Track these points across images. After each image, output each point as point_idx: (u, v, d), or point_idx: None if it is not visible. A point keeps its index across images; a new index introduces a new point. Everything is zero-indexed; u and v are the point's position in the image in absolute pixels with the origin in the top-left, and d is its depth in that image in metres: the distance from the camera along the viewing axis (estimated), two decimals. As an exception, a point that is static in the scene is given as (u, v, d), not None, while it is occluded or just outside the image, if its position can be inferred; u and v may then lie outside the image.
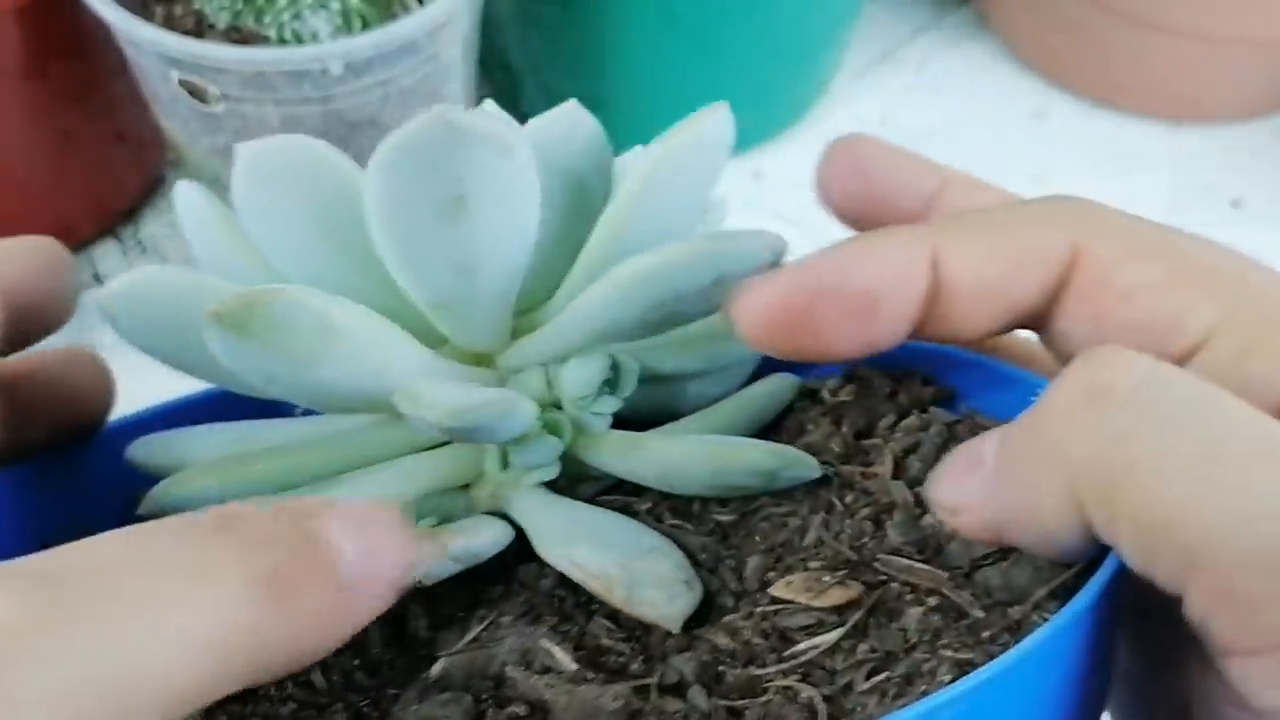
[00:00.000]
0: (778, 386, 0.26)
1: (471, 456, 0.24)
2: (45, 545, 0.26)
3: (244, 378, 0.21)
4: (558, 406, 0.24)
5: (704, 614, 0.22)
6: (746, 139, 0.61)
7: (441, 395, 0.21)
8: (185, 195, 0.24)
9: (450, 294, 0.22)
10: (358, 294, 0.22)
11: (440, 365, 0.23)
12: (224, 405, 0.27)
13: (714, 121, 0.23)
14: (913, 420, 0.25)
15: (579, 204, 0.24)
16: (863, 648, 0.20)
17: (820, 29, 0.59)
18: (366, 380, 0.21)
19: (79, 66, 0.51)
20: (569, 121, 0.23)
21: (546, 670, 0.21)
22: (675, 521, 0.24)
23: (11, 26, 0.47)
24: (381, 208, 0.20)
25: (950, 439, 0.24)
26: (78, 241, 0.56)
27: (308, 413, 0.27)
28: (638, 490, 0.25)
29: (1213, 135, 0.65)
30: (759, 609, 0.21)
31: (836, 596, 0.21)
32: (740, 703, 0.19)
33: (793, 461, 0.23)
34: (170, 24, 0.49)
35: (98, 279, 0.56)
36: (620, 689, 0.19)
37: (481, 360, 0.24)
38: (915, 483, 0.23)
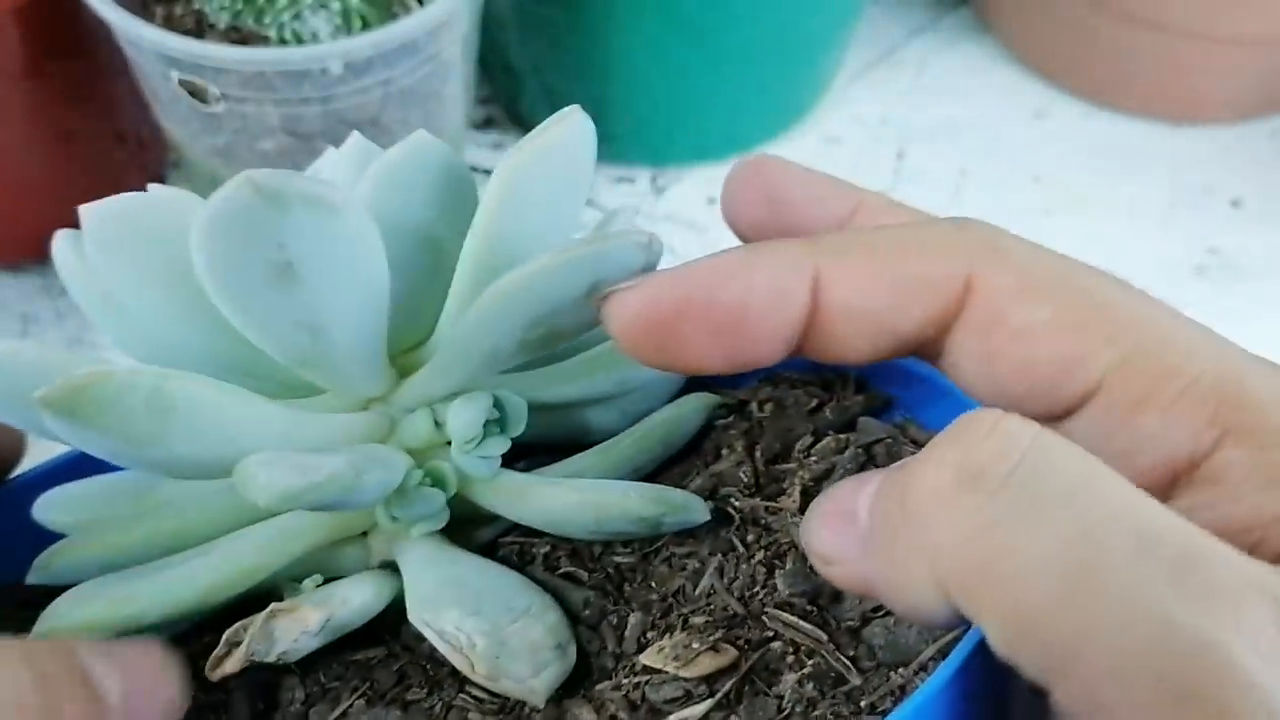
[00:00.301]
0: (689, 409, 0.25)
1: (361, 510, 0.23)
2: None
3: (94, 454, 0.20)
4: (450, 444, 0.23)
5: (581, 677, 0.22)
6: (747, 140, 0.61)
7: (276, 475, 0.19)
8: (61, 250, 0.23)
9: (306, 352, 0.21)
10: (218, 354, 0.22)
11: (302, 426, 0.22)
12: None
13: (568, 126, 0.22)
14: (829, 443, 0.24)
15: (436, 244, 0.23)
16: None
17: (820, 31, 0.59)
18: (216, 451, 0.21)
19: (79, 66, 0.51)
20: (418, 155, 0.22)
21: None
22: (569, 569, 0.24)
23: (11, 26, 0.47)
24: (211, 277, 0.20)
25: (868, 461, 0.23)
26: (77, 241, 0.57)
27: None
28: (540, 530, 0.24)
29: (1213, 136, 0.65)
30: (629, 679, 0.21)
31: (706, 665, 0.20)
32: None
33: (676, 507, 0.23)
34: (170, 24, 0.49)
35: (97, 279, 0.56)
36: None
37: (368, 405, 0.23)
38: None
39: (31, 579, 0.24)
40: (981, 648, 0.17)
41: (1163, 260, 0.58)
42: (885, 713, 0.19)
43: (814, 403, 0.25)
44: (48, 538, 0.24)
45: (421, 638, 0.22)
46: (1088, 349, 0.19)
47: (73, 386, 0.19)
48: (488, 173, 0.57)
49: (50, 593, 0.24)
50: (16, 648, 0.18)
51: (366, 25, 0.48)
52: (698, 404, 0.26)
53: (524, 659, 0.21)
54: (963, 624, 0.18)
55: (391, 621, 0.23)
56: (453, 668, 0.22)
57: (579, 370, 0.25)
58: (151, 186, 0.21)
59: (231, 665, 0.21)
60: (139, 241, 0.21)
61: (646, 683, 0.20)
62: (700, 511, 0.23)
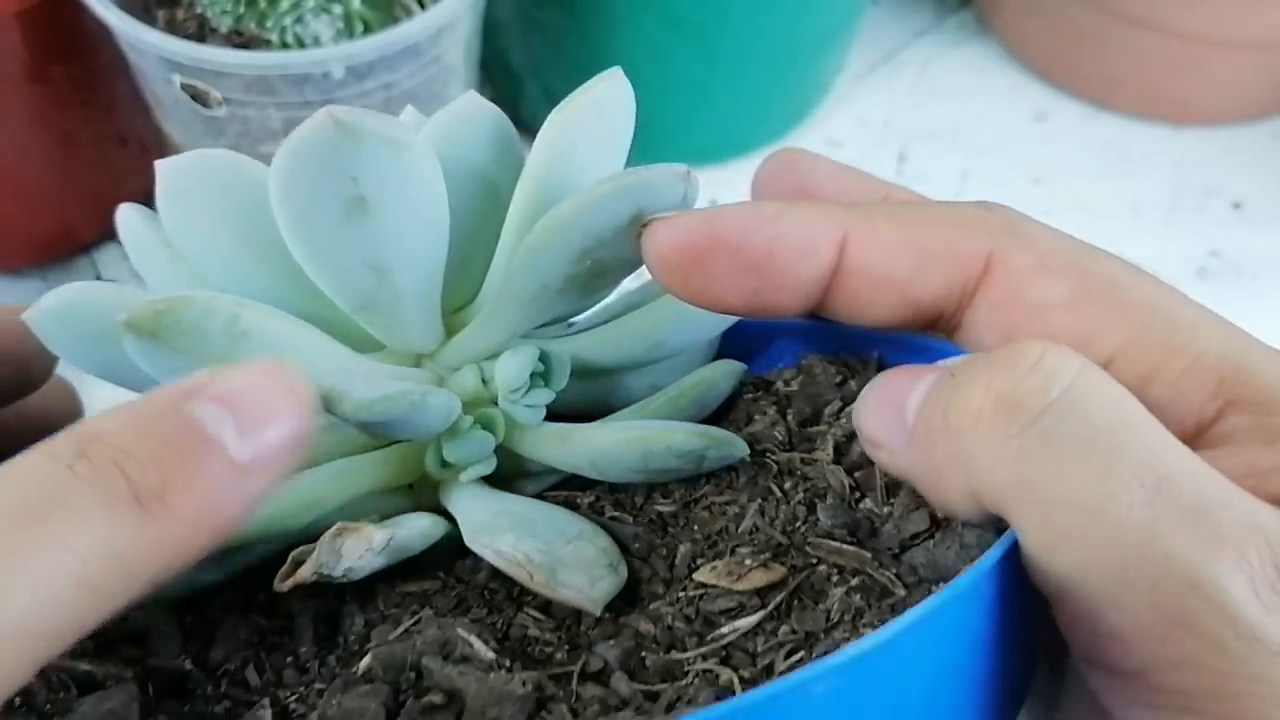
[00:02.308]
0: (720, 373, 0.26)
1: (412, 457, 0.24)
2: None
3: (164, 379, 0.21)
4: (495, 403, 0.24)
5: (633, 602, 0.22)
6: (748, 143, 0.61)
7: (354, 390, 0.21)
8: (126, 218, 0.24)
9: (369, 295, 0.22)
10: (285, 302, 0.23)
11: (364, 365, 0.23)
12: None
13: (611, 84, 0.23)
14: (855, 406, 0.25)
15: (491, 197, 0.24)
16: (784, 629, 0.20)
17: (821, 33, 0.59)
18: None
19: (81, 70, 0.51)
20: (471, 114, 0.24)
21: (464, 660, 0.21)
22: (615, 514, 0.24)
23: (13, 30, 0.47)
24: (286, 212, 0.21)
25: None
26: (79, 244, 0.57)
27: None
28: (584, 486, 0.25)
29: (1214, 137, 0.65)
30: (684, 594, 0.21)
31: (758, 579, 0.21)
32: (659, 686, 0.20)
33: (719, 441, 0.24)
34: (172, 27, 0.49)
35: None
36: (531, 675, 0.19)
37: (419, 362, 0.24)
38: (855, 468, 0.23)
39: None
40: (1010, 557, 0.18)
41: (1164, 261, 0.58)
42: None
43: (840, 377, 0.26)
44: None
45: (476, 569, 0.23)
46: (1101, 326, 0.20)
47: (157, 310, 0.20)
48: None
49: None
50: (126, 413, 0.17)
51: (368, 29, 0.48)
52: (728, 369, 0.26)
53: (580, 571, 0.22)
54: (992, 526, 0.19)
55: (443, 561, 0.24)
56: (509, 592, 0.23)
57: (613, 335, 0.26)
58: (214, 151, 0.22)
59: (303, 574, 0.22)
60: (209, 193, 0.22)
61: (700, 597, 0.21)
62: (741, 447, 0.24)
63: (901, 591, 0.20)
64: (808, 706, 0.16)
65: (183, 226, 0.23)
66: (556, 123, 0.23)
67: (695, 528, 0.23)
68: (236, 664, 0.22)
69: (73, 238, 0.56)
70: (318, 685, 0.21)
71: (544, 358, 0.24)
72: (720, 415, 0.26)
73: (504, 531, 0.22)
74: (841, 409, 0.25)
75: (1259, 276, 0.58)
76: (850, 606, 0.20)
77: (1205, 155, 0.64)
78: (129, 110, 0.53)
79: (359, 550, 0.22)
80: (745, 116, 0.60)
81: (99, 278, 0.56)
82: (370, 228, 0.21)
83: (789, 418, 0.25)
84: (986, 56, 0.69)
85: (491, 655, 0.21)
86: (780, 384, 0.26)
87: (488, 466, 0.24)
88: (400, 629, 0.22)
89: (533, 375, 0.24)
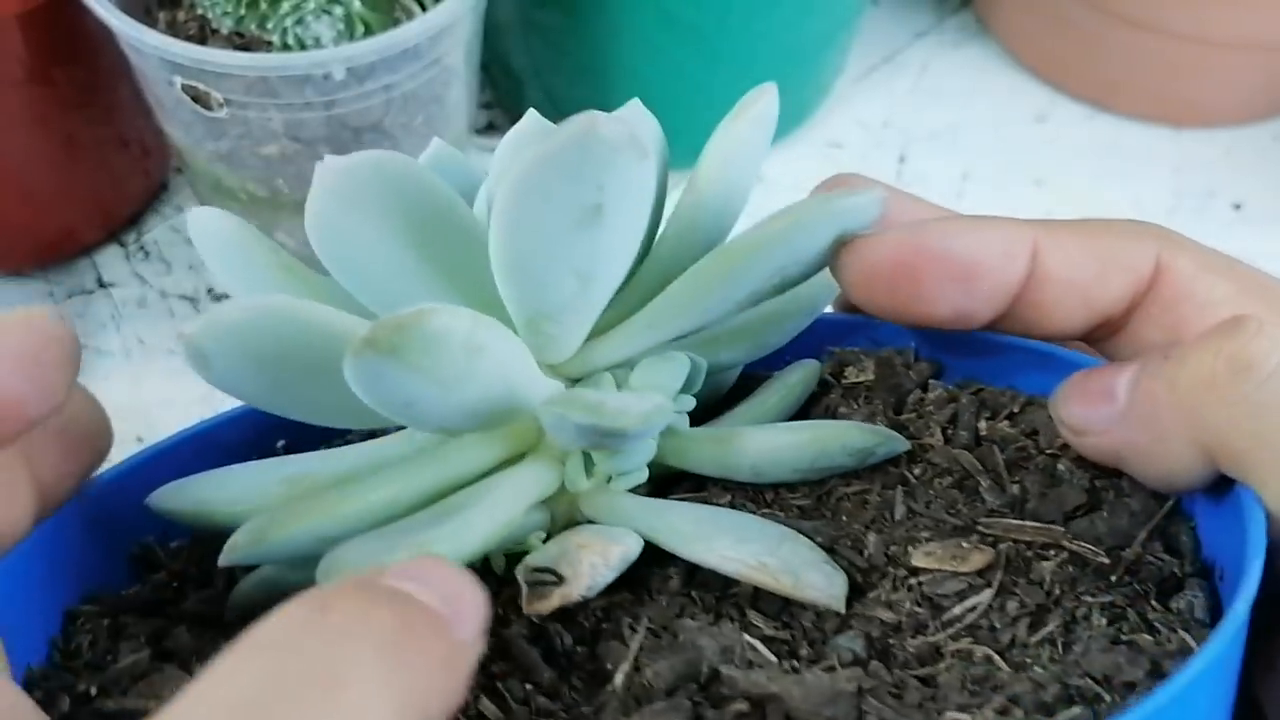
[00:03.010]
0: (809, 373, 0.27)
1: (553, 468, 0.23)
2: (71, 615, 0.24)
3: (381, 407, 0.20)
4: None
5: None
6: (748, 143, 0.61)
7: (624, 404, 0.20)
8: (201, 222, 0.23)
9: (563, 303, 0.22)
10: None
11: (546, 376, 0.23)
12: (199, 447, 0.26)
13: (767, 102, 0.24)
14: (940, 393, 0.26)
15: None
16: (1012, 604, 0.21)
17: (821, 34, 0.59)
18: (502, 397, 0.21)
19: (82, 72, 0.51)
20: (635, 116, 0.24)
21: (752, 665, 0.20)
22: (765, 510, 0.24)
23: (14, 32, 0.47)
24: (512, 218, 0.20)
25: (980, 405, 0.25)
26: (81, 246, 0.57)
27: (289, 448, 0.27)
28: (699, 485, 0.25)
29: (1214, 139, 0.65)
30: (909, 580, 0.22)
31: (978, 561, 0.22)
32: (925, 670, 0.20)
33: (887, 439, 0.24)
34: (173, 29, 0.49)
35: (101, 284, 0.56)
36: (850, 672, 0.20)
37: (555, 368, 0.24)
38: (968, 450, 0.24)
39: (227, 560, 0.22)
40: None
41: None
42: (1130, 584, 0.21)
43: (903, 364, 0.27)
44: (147, 527, 0.24)
45: (666, 578, 0.23)
46: (1268, 318, 0.21)
47: (400, 324, 0.18)
48: (490, 177, 0.57)
49: (143, 607, 0.24)
50: (326, 594, 0.17)
51: (369, 30, 0.48)
52: (815, 369, 0.27)
53: (814, 570, 0.22)
54: (1194, 489, 0.21)
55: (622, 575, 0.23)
56: (720, 597, 0.22)
57: (726, 339, 0.26)
58: (384, 154, 0.21)
59: (571, 595, 0.21)
60: (377, 195, 0.21)
61: (922, 582, 0.22)
62: (903, 442, 0.24)
63: (1103, 559, 0.21)
64: None
65: (339, 229, 0.21)
66: (730, 135, 0.24)
67: (845, 518, 0.24)
68: (470, 696, 0.21)
69: (74, 239, 0.56)
70: (583, 708, 0.20)
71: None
72: (801, 412, 0.27)
73: (715, 538, 0.22)
74: (922, 398, 0.26)
75: (1259, 277, 0.58)
76: (1065, 578, 0.21)
77: (1206, 157, 0.64)
78: (130, 112, 0.53)
79: (600, 568, 0.21)
80: (746, 118, 0.60)
81: (100, 279, 0.56)
82: (596, 236, 0.21)
83: (879, 407, 0.26)
84: (986, 58, 0.69)
85: (774, 659, 0.21)
86: (847, 379, 0.27)
87: (642, 475, 0.24)
88: (636, 644, 0.21)
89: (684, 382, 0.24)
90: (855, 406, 0.26)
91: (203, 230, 0.23)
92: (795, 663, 0.21)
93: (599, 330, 0.24)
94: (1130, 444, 0.21)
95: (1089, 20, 0.62)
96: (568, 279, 0.21)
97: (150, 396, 0.52)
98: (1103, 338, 0.24)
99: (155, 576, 0.25)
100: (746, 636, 0.21)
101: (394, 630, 0.16)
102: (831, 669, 0.20)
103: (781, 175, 0.60)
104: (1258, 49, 0.61)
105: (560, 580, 0.21)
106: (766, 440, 0.24)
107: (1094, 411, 0.22)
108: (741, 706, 0.19)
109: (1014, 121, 0.66)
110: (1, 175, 0.51)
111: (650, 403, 0.21)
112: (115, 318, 0.55)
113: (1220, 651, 0.18)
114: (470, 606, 0.17)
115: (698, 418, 0.25)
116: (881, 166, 0.63)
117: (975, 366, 0.26)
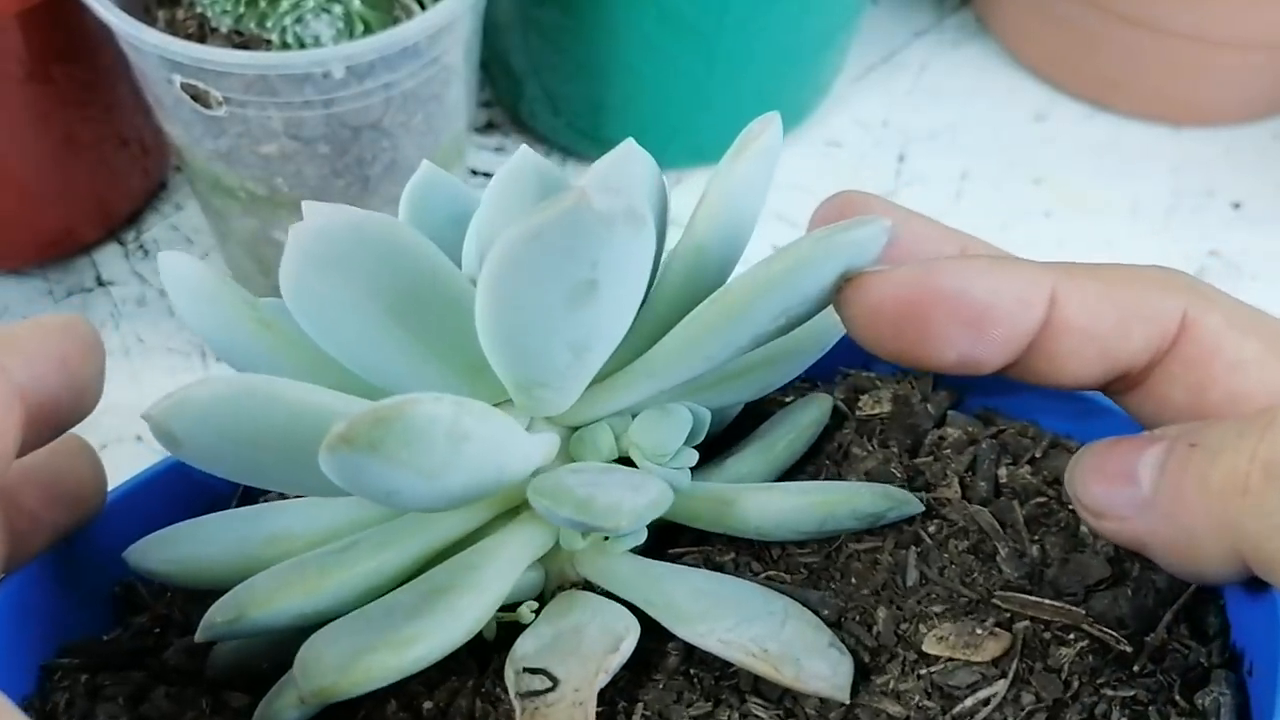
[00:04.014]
0: (821, 412, 0.26)
1: (547, 527, 0.23)
2: (49, 670, 0.24)
3: (361, 494, 0.19)
4: (628, 462, 0.23)
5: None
6: (748, 142, 0.61)
7: (616, 500, 0.19)
8: (173, 268, 0.21)
9: (557, 372, 0.21)
10: (421, 378, 0.21)
11: (536, 444, 0.21)
12: (171, 483, 0.25)
13: (770, 134, 0.23)
14: (959, 435, 0.25)
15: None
16: (1027, 697, 0.20)
17: (820, 33, 0.59)
18: (490, 479, 0.20)
19: (82, 70, 0.51)
20: (630, 163, 0.23)
21: None
22: (769, 572, 0.23)
23: (13, 30, 0.47)
24: (499, 294, 0.19)
25: (1001, 450, 0.24)
26: (80, 245, 0.57)
27: (281, 495, 0.26)
28: (702, 536, 0.24)
29: (1214, 138, 0.65)
30: (917, 668, 0.21)
31: (992, 649, 0.21)
32: None
33: (900, 502, 0.23)
34: (173, 28, 0.49)
35: (100, 282, 0.56)
36: None
37: (551, 419, 0.23)
38: (986, 504, 0.23)
39: (203, 637, 0.22)
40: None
41: (1164, 262, 0.58)
42: (1155, 675, 0.20)
43: (920, 396, 0.26)
44: (127, 571, 0.23)
45: (664, 654, 0.22)
46: None
47: (379, 418, 0.17)
48: (488, 176, 0.57)
49: (130, 652, 0.23)
50: None
51: (368, 29, 0.48)
52: (826, 406, 0.26)
53: (818, 657, 0.21)
54: (1224, 582, 0.20)
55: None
56: (716, 678, 0.21)
57: (728, 381, 0.25)
58: (364, 215, 0.20)
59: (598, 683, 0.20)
60: (358, 260, 0.20)
61: (934, 671, 0.21)
62: (916, 505, 0.23)
63: (1128, 647, 0.20)
64: None
65: (315, 294, 0.20)
66: (733, 174, 0.22)
67: (853, 580, 0.23)
68: None
69: (73, 238, 0.56)
70: None
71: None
72: (812, 450, 0.26)
73: (714, 618, 0.21)
74: (940, 438, 0.25)
75: (1258, 277, 0.58)
76: (1085, 667, 0.20)
77: (1205, 155, 0.64)
78: (130, 111, 0.53)
79: (615, 661, 0.21)
80: (744, 117, 0.60)
81: (99, 278, 0.56)
82: (589, 310, 0.19)
83: (893, 449, 0.25)
84: (986, 57, 0.69)
85: None
86: (861, 411, 0.26)
87: (641, 536, 0.23)
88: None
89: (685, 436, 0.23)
90: (870, 449, 0.25)
91: (176, 278, 0.22)
92: None
93: (598, 379, 0.23)
94: (1155, 535, 0.20)
95: (1088, 19, 0.62)
96: (561, 352, 0.20)
97: (149, 395, 0.52)
98: (1121, 391, 0.23)
99: (137, 620, 0.25)
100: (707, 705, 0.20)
101: None
102: None
103: (781, 175, 0.60)
104: (1257, 48, 0.61)
105: (554, 684, 0.20)
106: (771, 503, 0.23)
107: (1115, 494, 0.20)
108: None
109: (1013, 120, 0.66)
110: (1, 173, 0.51)
111: (645, 497, 0.20)
112: (114, 316, 0.55)
113: None
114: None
115: (701, 451, 0.24)
116: (880, 166, 0.63)
117: (995, 396, 0.25)
